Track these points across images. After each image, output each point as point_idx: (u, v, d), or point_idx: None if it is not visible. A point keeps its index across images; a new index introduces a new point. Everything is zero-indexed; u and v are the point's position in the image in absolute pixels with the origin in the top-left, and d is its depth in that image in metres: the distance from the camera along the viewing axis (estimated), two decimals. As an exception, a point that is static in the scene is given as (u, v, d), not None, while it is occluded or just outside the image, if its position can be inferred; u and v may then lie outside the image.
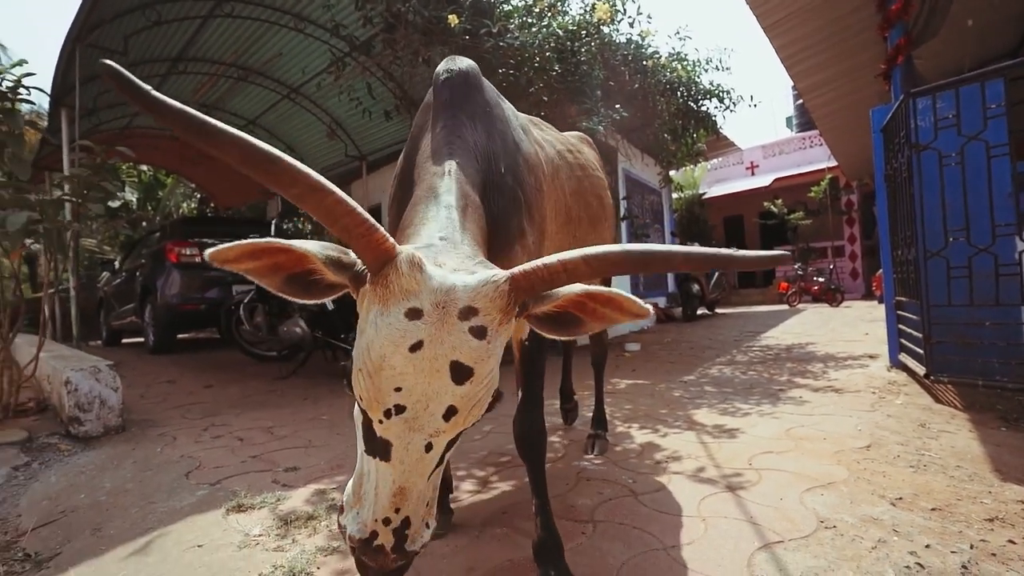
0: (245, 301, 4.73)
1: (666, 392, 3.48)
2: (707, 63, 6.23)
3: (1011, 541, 1.45)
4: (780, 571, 1.31)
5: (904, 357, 3.61)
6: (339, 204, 0.74)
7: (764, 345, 5.58)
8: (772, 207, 14.16)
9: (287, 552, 1.46)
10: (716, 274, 9.98)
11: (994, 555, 1.39)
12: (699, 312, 9.98)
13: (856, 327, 6.67)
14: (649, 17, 5.57)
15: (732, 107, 6.37)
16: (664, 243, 10.68)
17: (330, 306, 4.09)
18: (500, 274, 0.80)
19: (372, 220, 0.77)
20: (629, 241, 9.26)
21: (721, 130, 7.52)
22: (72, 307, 5.45)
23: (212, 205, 14.02)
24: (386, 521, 0.79)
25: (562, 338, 0.91)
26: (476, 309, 0.78)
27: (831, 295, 10.77)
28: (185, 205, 17.10)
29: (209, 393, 3.89)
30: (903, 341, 3.62)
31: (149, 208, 16.74)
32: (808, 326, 7.27)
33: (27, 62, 3.14)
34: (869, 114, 3.96)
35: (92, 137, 5.38)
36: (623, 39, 5.62)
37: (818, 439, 2.34)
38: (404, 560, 0.81)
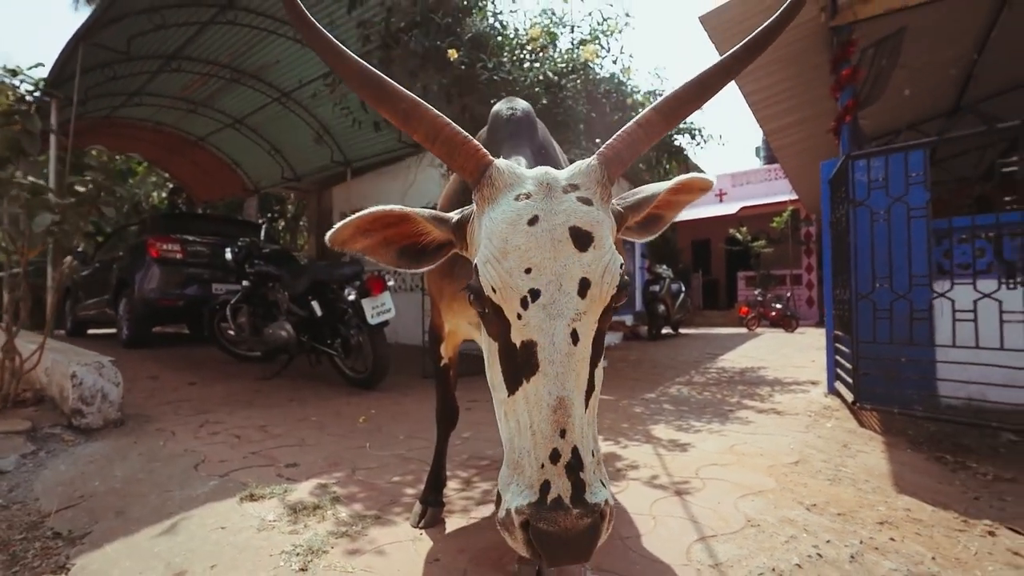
0: (232, 302, 4.86)
1: (628, 408, 3.82)
2: (682, 102, 6.69)
3: (892, 539, 1.82)
4: (711, 557, 1.63)
5: (839, 385, 4.06)
6: (438, 119, 0.86)
7: (720, 367, 6.01)
8: (737, 234, 14.88)
9: (302, 535, 1.71)
10: (682, 295, 10.48)
11: (877, 549, 1.74)
12: (664, 331, 10.44)
13: (806, 354, 7.20)
14: (631, 56, 6.00)
15: (703, 143, 6.85)
16: (634, 264, 11.20)
17: (319, 312, 4.29)
18: (588, 159, 0.89)
19: (467, 133, 0.88)
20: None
21: (691, 162, 8.01)
22: (49, 297, 5.45)
23: (185, 196, 13.85)
24: (554, 456, 0.74)
25: (648, 238, 1.04)
26: (576, 185, 0.85)
27: (787, 321, 11.43)
28: (155, 195, 16.80)
29: (195, 390, 4.03)
30: (839, 371, 4.06)
31: (117, 195, 16.38)
32: (763, 351, 7.78)
33: (43, 64, 3.29)
34: (820, 166, 4.43)
35: (77, 124, 5.43)
36: (606, 74, 6.03)
37: (756, 455, 2.70)
38: (589, 517, 0.72)
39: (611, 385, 4.79)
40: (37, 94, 2.97)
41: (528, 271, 0.79)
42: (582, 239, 0.81)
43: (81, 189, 2.83)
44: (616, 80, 6.15)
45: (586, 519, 0.72)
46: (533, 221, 0.81)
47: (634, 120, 0.91)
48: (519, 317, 0.80)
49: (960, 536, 1.93)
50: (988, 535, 1.96)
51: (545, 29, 4.84)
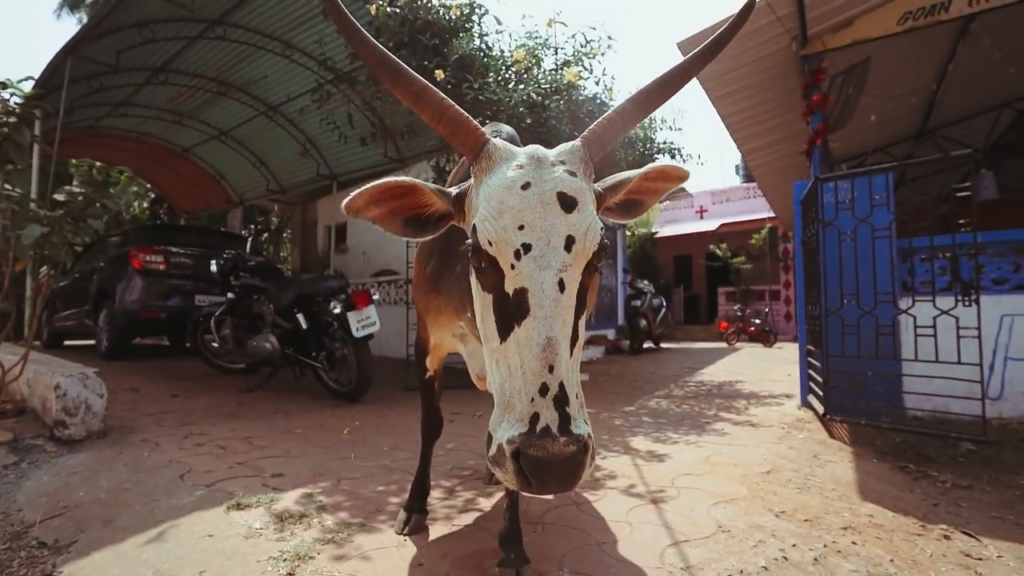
0: (217, 314, 4.86)
1: (608, 421, 3.90)
2: (662, 122, 6.90)
3: (854, 543, 1.92)
4: (683, 560, 1.71)
5: (812, 398, 4.20)
6: (444, 101, 1.00)
7: (699, 381, 6.15)
8: (717, 250, 15.20)
9: (289, 542, 1.75)
10: (663, 310, 10.65)
11: (839, 552, 1.84)
12: (645, 346, 10.58)
13: (782, 368, 7.38)
14: (613, 77, 6.19)
15: (683, 162, 7.06)
16: (616, 279, 11.37)
17: (304, 324, 4.32)
18: (573, 141, 1.03)
19: (468, 115, 1.01)
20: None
21: (672, 181, 8.24)
22: (27, 308, 5.39)
23: (166, 207, 13.74)
24: (543, 390, 0.82)
25: (630, 220, 1.17)
26: (563, 160, 0.98)
27: (766, 336, 11.67)
28: (136, 205, 16.60)
29: (177, 402, 4.02)
30: (811, 385, 4.21)
31: (97, 205, 16.14)
32: (741, 365, 7.95)
33: (33, 78, 3.32)
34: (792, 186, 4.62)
35: (61, 134, 5.42)
36: (589, 95, 6.21)
37: (730, 465, 2.80)
38: (575, 446, 0.80)
39: (592, 399, 4.88)
40: (17, 103, 2.96)
41: (521, 228, 0.90)
42: (568, 203, 0.93)
43: (61, 199, 2.85)
44: (599, 100, 6.33)
45: (572, 447, 0.80)
46: (526, 186, 0.93)
47: (612, 109, 1.06)
48: (512, 267, 0.91)
49: (918, 540, 2.05)
50: (944, 539, 2.08)
51: (530, 51, 5.00)
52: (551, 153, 1.01)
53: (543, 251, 0.90)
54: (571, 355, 0.90)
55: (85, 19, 15.09)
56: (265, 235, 17.16)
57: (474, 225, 0.96)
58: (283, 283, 4.78)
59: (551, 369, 0.84)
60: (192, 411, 3.73)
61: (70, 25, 17.88)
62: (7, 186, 2.68)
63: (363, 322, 4.15)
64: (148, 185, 13.44)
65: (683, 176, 1.15)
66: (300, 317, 4.36)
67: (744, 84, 5.57)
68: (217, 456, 2.67)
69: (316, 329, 4.38)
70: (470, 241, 0.97)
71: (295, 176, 9.50)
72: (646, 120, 6.88)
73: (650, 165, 1.14)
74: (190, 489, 2.20)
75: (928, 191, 7.48)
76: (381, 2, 4.47)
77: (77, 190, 2.87)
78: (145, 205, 16.15)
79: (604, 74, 6.16)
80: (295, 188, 9.83)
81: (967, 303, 2.93)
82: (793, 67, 5.00)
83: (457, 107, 1.02)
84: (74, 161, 14.72)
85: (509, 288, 0.92)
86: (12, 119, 2.98)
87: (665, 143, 6.94)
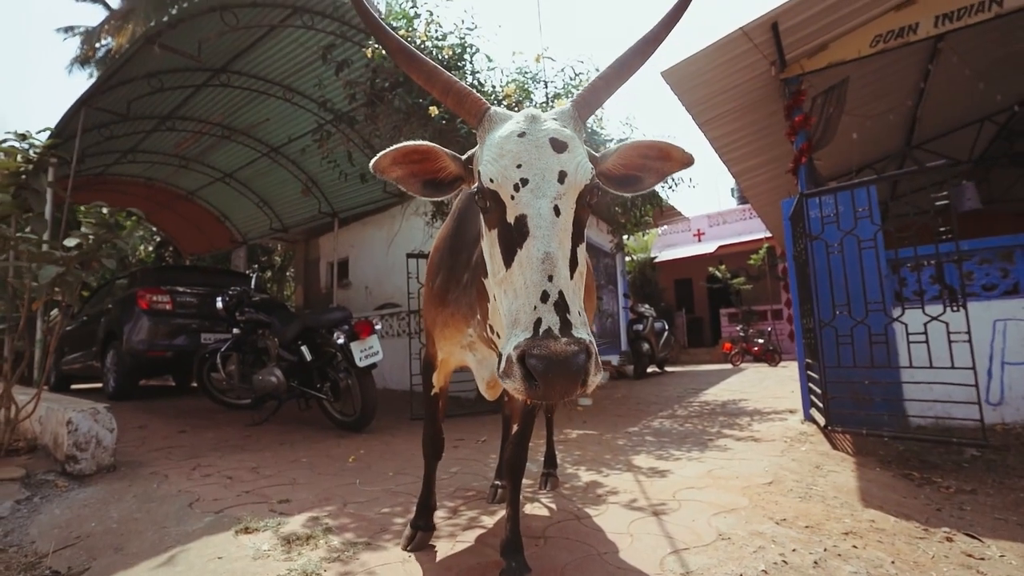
0: (222, 350, 4.94)
1: (612, 441, 3.92)
2: (653, 148, 7.10)
3: (855, 546, 1.94)
4: (683, 566, 1.74)
5: (814, 412, 4.21)
6: (451, 79, 1.20)
7: (703, 401, 6.14)
8: (717, 272, 15.30)
9: (296, 561, 1.79)
10: (665, 333, 10.67)
11: (840, 555, 1.87)
12: (649, 370, 10.56)
13: (786, 385, 7.36)
14: (603, 106, 6.40)
15: (674, 187, 7.22)
16: (617, 304, 11.43)
17: (308, 356, 4.39)
18: (563, 105, 1.21)
19: (470, 88, 1.20)
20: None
21: (666, 204, 8.39)
22: (37, 350, 5.49)
23: (172, 249, 13.98)
24: (544, 297, 0.92)
25: (627, 194, 1.30)
26: (555, 117, 1.14)
27: (770, 356, 11.64)
28: (142, 249, 16.88)
29: (185, 437, 4.06)
30: (812, 398, 4.23)
31: (108, 246, 16.42)
32: (746, 384, 7.93)
33: (50, 128, 3.50)
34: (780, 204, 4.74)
35: (72, 181, 5.61)
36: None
37: (732, 478, 2.82)
38: (576, 346, 0.87)
39: (595, 421, 4.89)
40: (36, 152, 3.12)
41: (519, 166, 1.05)
42: (559, 146, 1.08)
43: (74, 242, 2.98)
44: (590, 130, 6.55)
45: (574, 347, 0.87)
46: (522, 135, 1.09)
47: (597, 76, 1.22)
48: (512, 198, 1.04)
49: (920, 543, 2.07)
50: (946, 540, 2.10)
51: (520, 86, 5.22)
52: (545, 113, 1.16)
53: (539, 184, 1.04)
54: (571, 277, 1.00)
55: (96, 73, 15.70)
56: (269, 274, 17.36)
57: (479, 170, 1.11)
58: (287, 317, 4.87)
59: (551, 278, 0.94)
60: (200, 445, 3.77)
61: (81, 79, 18.55)
62: (27, 230, 2.81)
63: (366, 352, 4.21)
64: (154, 229, 13.72)
65: (685, 159, 1.25)
66: (304, 349, 4.43)
67: (729, 108, 5.77)
68: (225, 485, 2.71)
69: (320, 361, 4.44)
70: (477, 184, 1.11)
71: (297, 214, 9.71)
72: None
73: (650, 139, 1.26)
74: (199, 516, 2.24)
75: (919, 204, 7.61)
76: (376, 46, 4.69)
77: (88, 232, 2.99)
78: (151, 249, 16.45)
79: (594, 104, 6.36)
80: (297, 226, 10.03)
81: (955, 308, 2.99)
82: (775, 90, 5.20)
83: (462, 83, 1.21)
84: (82, 208, 15.11)
85: (511, 217, 1.04)
86: (30, 167, 3.13)
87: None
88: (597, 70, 6.25)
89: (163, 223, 11.78)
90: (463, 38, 5.13)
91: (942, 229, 3.10)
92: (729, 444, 3.67)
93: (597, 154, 1.25)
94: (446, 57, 4.94)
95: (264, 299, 5.23)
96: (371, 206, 8.63)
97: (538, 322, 0.90)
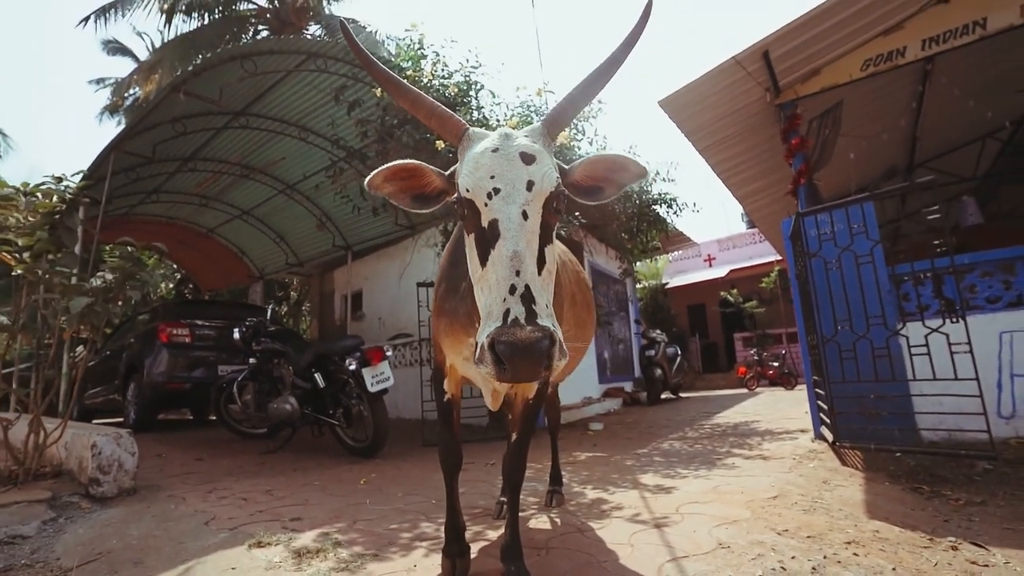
0: (238, 380, 5.08)
1: (620, 462, 3.93)
2: (656, 175, 7.26)
3: (855, 554, 1.96)
4: (680, 572, 1.78)
5: (824, 429, 4.18)
6: (433, 103, 1.36)
7: (715, 424, 6.10)
8: (729, 296, 15.24)
9: (306, 571, 1.86)
10: (679, 359, 10.61)
11: (840, 563, 1.88)
12: (663, 396, 10.46)
13: (801, 407, 7.23)
14: (605, 137, 6.62)
15: (679, 212, 7.35)
16: (628, 331, 11.42)
17: (321, 383, 4.51)
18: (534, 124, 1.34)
19: (451, 112, 1.36)
20: (596, 328, 9.97)
21: (672, 230, 8.50)
22: (63, 383, 5.67)
23: (191, 285, 14.36)
24: (512, 290, 1.04)
25: (591, 203, 1.42)
26: (526, 135, 1.27)
27: (786, 379, 11.47)
28: (164, 287, 17.36)
29: (201, 465, 4.16)
30: (821, 415, 4.21)
31: (127, 287, 16.91)
32: (759, 407, 7.84)
33: (83, 171, 3.74)
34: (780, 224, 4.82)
35: (101, 221, 5.90)
36: (583, 153, 6.61)
37: (737, 493, 2.83)
38: (540, 333, 0.99)
39: (605, 444, 4.90)
40: (70, 193, 3.34)
41: (492, 177, 1.18)
42: (528, 159, 1.21)
43: (108, 276, 3.16)
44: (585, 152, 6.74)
45: (537, 334, 0.99)
46: (495, 150, 1.22)
47: (564, 96, 1.35)
48: (486, 205, 1.18)
49: (924, 552, 2.07)
50: (951, 549, 2.09)
51: (523, 119, 5.43)
52: (517, 131, 1.29)
53: (509, 192, 1.17)
54: (539, 273, 1.12)
55: (124, 121, 16.50)
56: (285, 308, 17.67)
57: (458, 182, 1.25)
58: (301, 346, 5.01)
59: (518, 273, 1.06)
60: (215, 471, 3.86)
61: (109, 127, 19.46)
62: (60, 267, 3.00)
63: (377, 377, 4.32)
64: (175, 266, 14.15)
65: (640, 171, 1.37)
66: (317, 376, 4.55)
67: (727, 134, 5.91)
68: (239, 506, 2.79)
69: (333, 387, 4.55)
70: (456, 196, 1.26)
71: (312, 248, 9.99)
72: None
73: (610, 153, 1.40)
74: (214, 533, 2.32)
75: (926, 222, 7.62)
76: (386, 86, 4.95)
77: (115, 264, 3.17)
78: (171, 286, 16.92)
79: (596, 134, 6.57)
80: (312, 260, 10.30)
81: (954, 320, 3.02)
82: (769, 116, 5.34)
83: (444, 108, 1.38)
84: (107, 247, 15.68)
85: (484, 222, 1.17)
86: (64, 207, 3.36)
87: (661, 194, 7.27)
88: (600, 102, 6.50)
89: (183, 260, 12.16)
90: (468, 76, 5.39)
91: (936, 243, 3.15)
92: (737, 463, 3.66)
93: (566, 167, 1.39)
94: (452, 95, 5.19)
95: (279, 329, 5.39)
96: (383, 239, 8.86)
97: (507, 312, 1.01)
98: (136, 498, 2.94)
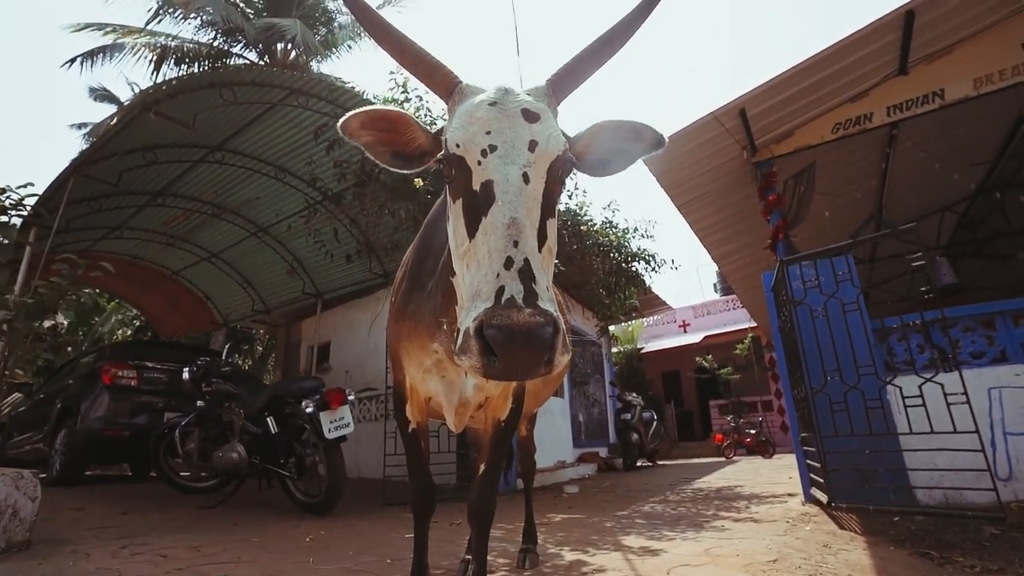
0: (181, 425, 4.58)
1: (599, 524, 3.57)
2: (634, 231, 7.32)
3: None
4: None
5: (815, 491, 3.93)
6: (422, 50, 1.15)
7: (696, 488, 5.76)
8: (704, 362, 15.17)
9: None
10: (655, 423, 10.29)
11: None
12: (639, 463, 10.03)
13: (784, 473, 6.98)
14: (584, 192, 6.68)
15: (657, 268, 7.34)
16: (604, 393, 11.14)
17: (274, 429, 4.09)
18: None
19: (441, 60, 1.14)
20: (571, 389, 9.67)
21: (650, 288, 8.48)
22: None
23: (150, 334, 13.62)
24: (508, 263, 0.83)
25: (600, 176, 1.21)
26: (529, 92, 1.09)
27: (764, 447, 11.20)
28: (120, 333, 16.46)
29: (125, 519, 3.63)
30: (812, 476, 3.96)
31: (80, 333, 15.96)
32: (740, 473, 7.52)
33: (33, 184, 3.47)
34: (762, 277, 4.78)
35: (54, 257, 5.53)
36: (562, 207, 6.63)
37: (732, 556, 2.53)
38: (541, 317, 0.77)
39: (583, 507, 4.52)
40: (11, 203, 3.07)
41: (488, 133, 0.99)
42: (531, 116, 1.03)
43: (42, 291, 2.85)
44: (572, 213, 6.76)
45: (539, 318, 0.76)
46: (493, 104, 1.04)
47: (573, 56, 1.16)
48: (479, 163, 0.98)
49: (949, 621, 1.80)
50: (977, 619, 1.83)
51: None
52: (520, 90, 1.12)
53: (507, 151, 0.98)
54: (539, 250, 0.91)
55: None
56: (249, 362, 16.85)
57: (446, 137, 1.05)
58: (256, 387, 4.60)
59: (516, 244, 0.85)
60: (139, 525, 3.35)
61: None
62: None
63: (336, 423, 3.94)
64: (133, 312, 13.46)
65: (657, 139, 1.17)
66: (270, 421, 4.14)
67: (705, 191, 6.01)
68: (155, 563, 2.35)
69: (287, 433, 4.13)
70: (442, 153, 1.06)
71: (280, 295, 9.61)
72: (619, 230, 7.28)
73: (623, 118, 1.20)
74: (115, 592, 1.91)
75: (897, 270, 7.73)
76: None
77: (46, 284, 2.86)
78: (128, 332, 16.03)
79: (576, 188, 6.64)
80: (280, 308, 9.89)
81: (947, 368, 2.90)
82: (746, 174, 5.46)
83: (433, 54, 1.16)
84: (52, 267, 14.89)
85: (476, 184, 0.97)
86: (3, 218, 3.07)
87: (639, 250, 7.28)
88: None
89: (144, 304, 11.55)
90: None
91: (923, 289, 3.09)
92: (727, 525, 3.36)
93: (571, 135, 1.20)
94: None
95: (233, 370, 4.97)
96: (355, 287, 8.58)
97: (500, 290, 0.80)
98: (28, 554, 2.47)
